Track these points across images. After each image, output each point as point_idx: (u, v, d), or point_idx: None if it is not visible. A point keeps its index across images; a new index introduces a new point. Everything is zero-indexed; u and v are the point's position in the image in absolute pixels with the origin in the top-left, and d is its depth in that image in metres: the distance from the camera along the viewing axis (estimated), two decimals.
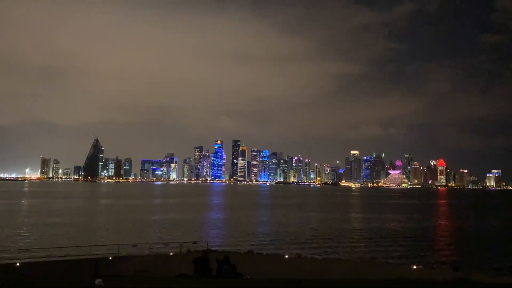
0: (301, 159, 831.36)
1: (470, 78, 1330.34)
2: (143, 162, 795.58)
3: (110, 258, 32.50)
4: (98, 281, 19.68)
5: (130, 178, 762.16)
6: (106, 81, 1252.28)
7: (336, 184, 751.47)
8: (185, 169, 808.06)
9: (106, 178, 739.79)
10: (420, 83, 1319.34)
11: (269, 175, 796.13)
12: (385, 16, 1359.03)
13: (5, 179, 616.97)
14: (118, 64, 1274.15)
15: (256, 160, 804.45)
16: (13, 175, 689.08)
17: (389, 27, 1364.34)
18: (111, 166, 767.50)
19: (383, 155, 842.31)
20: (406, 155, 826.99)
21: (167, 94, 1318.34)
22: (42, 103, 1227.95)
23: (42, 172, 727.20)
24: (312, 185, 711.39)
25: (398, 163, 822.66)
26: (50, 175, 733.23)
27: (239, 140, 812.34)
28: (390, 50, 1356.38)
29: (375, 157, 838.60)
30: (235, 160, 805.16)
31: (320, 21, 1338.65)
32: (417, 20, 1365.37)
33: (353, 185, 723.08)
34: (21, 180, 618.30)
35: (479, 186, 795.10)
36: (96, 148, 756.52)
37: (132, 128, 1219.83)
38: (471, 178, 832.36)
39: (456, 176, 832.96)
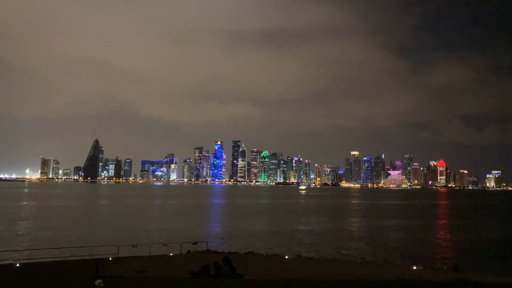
0: (301, 159, 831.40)
1: (487, 71, 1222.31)
2: (143, 162, 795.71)
3: (110, 258, 32.47)
4: (98, 282, 19.65)
5: (130, 178, 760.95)
6: (68, 73, 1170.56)
7: (336, 185, 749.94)
8: (185, 169, 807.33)
9: (106, 178, 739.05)
10: (428, 78, 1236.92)
11: (269, 175, 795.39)
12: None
13: (5, 180, 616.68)
14: (86, 54, 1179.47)
15: (256, 161, 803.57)
16: (13, 176, 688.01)
17: (418, 10, 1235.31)
18: (111, 167, 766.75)
19: (383, 155, 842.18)
20: (406, 156, 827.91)
21: (151, 88, 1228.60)
22: None
23: (42, 173, 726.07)
24: (312, 186, 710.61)
25: (398, 163, 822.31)
26: (50, 176, 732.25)
27: (239, 141, 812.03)
28: (413, 38, 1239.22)
29: (375, 158, 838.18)
30: (235, 161, 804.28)
31: None
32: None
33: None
34: (21, 180, 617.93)
35: (479, 187, 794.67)
36: (96, 148, 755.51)
37: (107, 123, 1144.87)
38: (471, 179, 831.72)
39: (456, 177, 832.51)
